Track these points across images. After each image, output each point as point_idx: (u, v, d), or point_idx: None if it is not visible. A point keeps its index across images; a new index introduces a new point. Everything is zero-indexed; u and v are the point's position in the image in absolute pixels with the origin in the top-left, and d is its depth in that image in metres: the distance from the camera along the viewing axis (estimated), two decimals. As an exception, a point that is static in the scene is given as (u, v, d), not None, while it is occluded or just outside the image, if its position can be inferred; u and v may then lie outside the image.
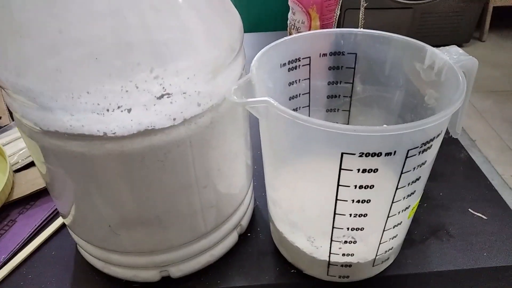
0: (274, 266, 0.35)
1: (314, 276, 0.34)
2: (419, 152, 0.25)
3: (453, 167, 0.45)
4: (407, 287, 0.35)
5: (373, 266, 0.32)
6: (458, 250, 0.36)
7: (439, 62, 0.29)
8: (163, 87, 0.24)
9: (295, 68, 0.34)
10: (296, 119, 0.23)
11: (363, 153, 0.24)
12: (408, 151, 0.24)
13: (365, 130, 0.22)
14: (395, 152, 0.24)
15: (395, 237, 0.31)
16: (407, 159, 0.24)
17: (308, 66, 0.34)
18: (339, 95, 0.37)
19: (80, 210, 0.30)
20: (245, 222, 0.37)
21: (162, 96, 0.24)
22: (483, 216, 0.39)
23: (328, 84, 0.36)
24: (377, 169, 0.24)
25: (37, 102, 0.23)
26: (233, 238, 0.36)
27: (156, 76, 0.23)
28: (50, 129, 0.24)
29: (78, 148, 0.25)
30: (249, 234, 0.38)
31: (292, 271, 0.35)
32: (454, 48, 0.30)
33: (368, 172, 0.25)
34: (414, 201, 0.29)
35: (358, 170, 0.25)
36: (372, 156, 0.24)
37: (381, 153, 0.24)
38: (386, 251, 0.31)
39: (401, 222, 0.30)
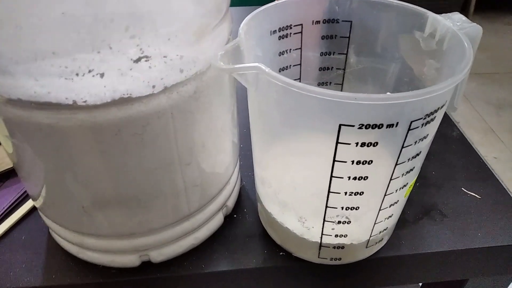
0: (262, 249, 0.33)
1: (304, 259, 0.32)
2: (422, 125, 0.23)
3: (446, 145, 0.44)
4: (401, 269, 0.34)
5: (366, 247, 0.30)
6: (452, 230, 0.35)
7: (441, 29, 0.27)
8: (141, 49, 0.21)
9: (286, 36, 0.31)
10: (290, 87, 0.21)
11: (363, 125, 0.21)
12: (411, 122, 0.22)
13: (366, 99, 0.20)
14: (397, 123, 0.22)
15: (390, 216, 0.29)
16: (409, 131, 0.22)
17: (300, 34, 0.32)
18: (332, 67, 0.34)
19: (51, 191, 0.27)
20: (231, 203, 0.35)
21: (139, 59, 0.21)
22: (476, 196, 0.38)
23: (320, 55, 0.34)
24: (376, 143, 0.22)
25: (-5, 65, 0.20)
26: (218, 220, 0.34)
27: (133, 36, 0.20)
28: (12, 96, 0.21)
29: (44, 119, 0.22)
30: (235, 216, 0.36)
31: (281, 253, 0.33)
32: (456, 15, 0.28)
33: (368, 146, 0.22)
34: (412, 178, 0.27)
35: (357, 143, 0.22)
36: (372, 128, 0.21)
37: (382, 125, 0.21)
38: (380, 232, 0.30)
39: (398, 201, 0.28)
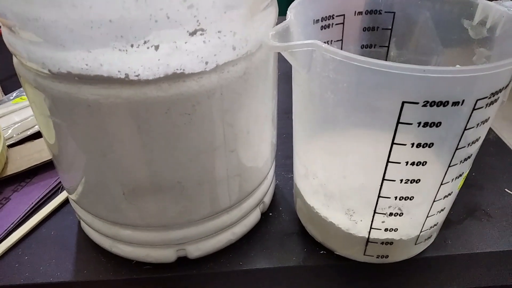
0: (301, 247, 0.32)
1: (347, 257, 0.30)
2: (486, 105, 0.22)
3: (483, 148, 0.42)
4: (448, 269, 0.32)
5: (415, 244, 0.29)
6: (500, 231, 0.33)
7: (494, 15, 0.26)
8: (198, 20, 0.20)
9: (328, 26, 0.30)
10: (351, 61, 0.20)
11: (427, 102, 0.20)
12: (476, 101, 0.21)
13: (435, 71, 0.19)
14: (463, 101, 0.21)
15: (442, 210, 0.27)
16: (474, 112, 0.21)
17: (342, 25, 0.31)
18: (372, 61, 0.34)
19: (92, 176, 0.26)
20: (267, 199, 0.34)
21: (195, 31, 0.20)
22: (521, 197, 0.36)
23: (361, 48, 0.33)
24: (440, 123, 0.21)
25: (48, 35, 0.20)
26: (255, 216, 0.32)
27: (191, 6, 0.20)
28: (61, 70, 0.20)
29: (92, 95, 0.21)
30: (270, 214, 0.35)
31: (322, 252, 0.31)
32: (508, 2, 0.28)
33: (430, 126, 0.21)
34: (467, 168, 0.26)
35: (419, 124, 0.21)
36: (437, 105, 0.20)
37: (447, 103, 0.20)
38: (431, 227, 0.28)
39: (451, 192, 0.26)
